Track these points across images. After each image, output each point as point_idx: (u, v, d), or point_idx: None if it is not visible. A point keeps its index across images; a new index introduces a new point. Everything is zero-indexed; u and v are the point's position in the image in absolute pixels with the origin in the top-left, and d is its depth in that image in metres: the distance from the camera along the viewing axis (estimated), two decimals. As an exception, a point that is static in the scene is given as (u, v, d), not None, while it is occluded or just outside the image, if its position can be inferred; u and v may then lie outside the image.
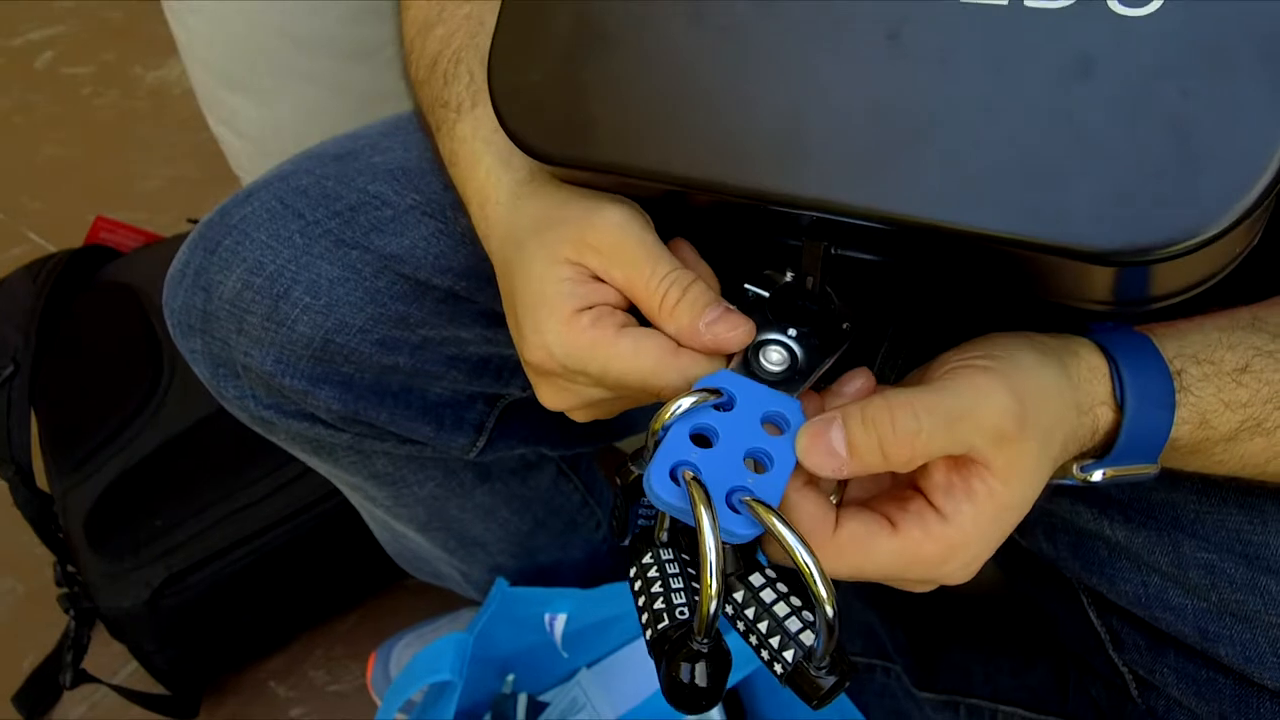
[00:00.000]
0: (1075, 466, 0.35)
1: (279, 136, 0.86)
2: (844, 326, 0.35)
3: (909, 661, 0.64)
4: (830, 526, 0.31)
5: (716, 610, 0.28)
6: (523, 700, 0.75)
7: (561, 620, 0.70)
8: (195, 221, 0.51)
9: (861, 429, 0.30)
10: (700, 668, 0.28)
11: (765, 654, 0.29)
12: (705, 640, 0.28)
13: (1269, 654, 0.41)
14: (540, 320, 0.35)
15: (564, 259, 0.35)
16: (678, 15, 0.32)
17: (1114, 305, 0.32)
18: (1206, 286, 0.31)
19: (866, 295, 0.37)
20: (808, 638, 0.29)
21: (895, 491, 0.33)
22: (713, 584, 0.27)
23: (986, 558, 0.32)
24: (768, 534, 0.29)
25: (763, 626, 0.29)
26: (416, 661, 0.64)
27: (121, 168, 1.46)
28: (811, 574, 0.28)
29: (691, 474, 0.29)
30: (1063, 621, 0.53)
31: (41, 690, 0.89)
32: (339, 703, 0.89)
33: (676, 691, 0.28)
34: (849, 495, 0.35)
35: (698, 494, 0.28)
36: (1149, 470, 0.35)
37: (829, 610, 0.28)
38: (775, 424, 0.32)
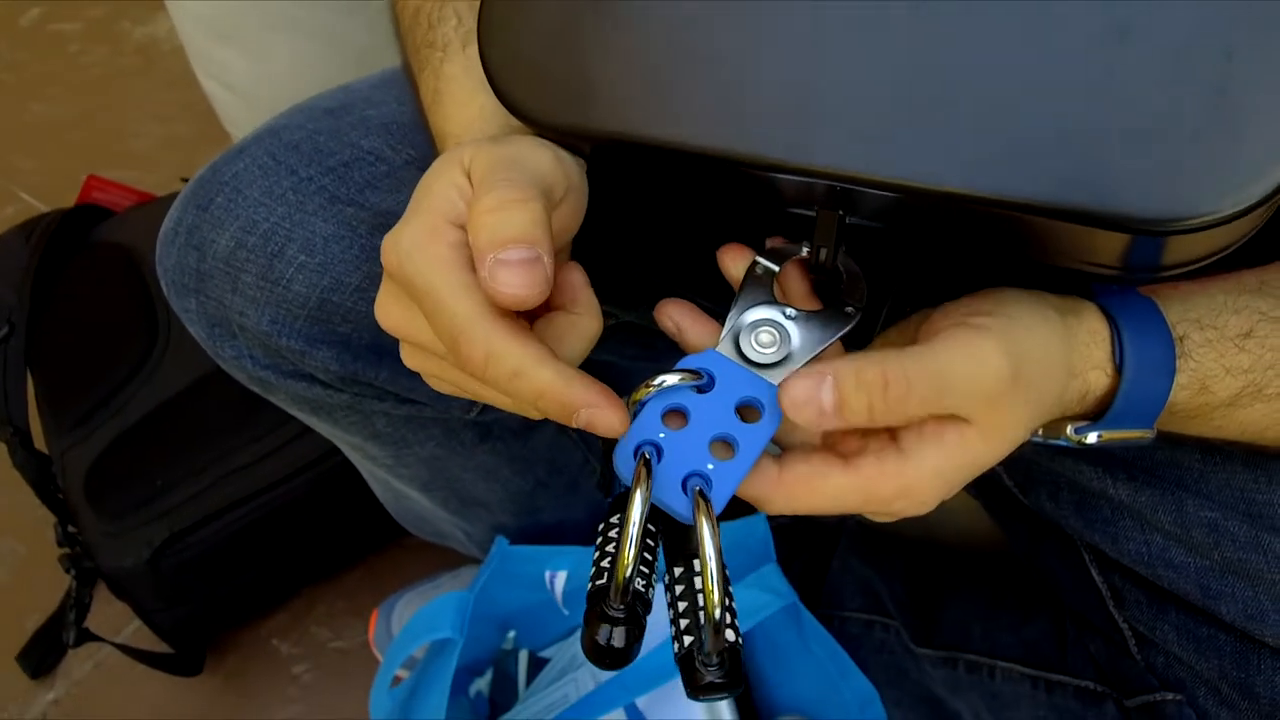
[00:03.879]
0: (1070, 428, 0.34)
1: (270, 90, 0.84)
2: (847, 310, 0.34)
3: (907, 618, 0.65)
4: (775, 471, 0.31)
5: (629, 579, 0.29)
6: (524, 656, 0.75)
7: (562, 577, 0.70)
8: (189, 180, 0.50)
9: (854, 390, 0.29)
10: (618, 631, 0.29)
11: (673, 629, 0.30)
12: (620, 606, 0.29)
13: (1271, 611, 0.41)
14: (409, 215, 0.31)
15: (460, 165, 0.32)
16: None
17: (1127, 272, 0.31)
18: (1218, 257, 0.30)
19: (872, 264, 0.35)
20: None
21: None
22: (629, 554, 0.28)
23: (944, 498, 0.32)
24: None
25: (681, 606, 0.30)
26: (418, 619, 0.64)
27: (112, 126, 1.44)
28: (710, 577, 0.28)
29: (646, 454, 0.30)
30: (1063, 578, 0.53)
31: (45, 649, 0.90)
32: (341, 659, 0.90)
33: (595, 651, 0.29)
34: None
35: (639, 473, 0.29)
36: (1145, 435, 0.34)
37: (715, 614, 0.28)
38: (752, 407, 0.32)
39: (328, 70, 0.81)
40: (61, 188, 1.21)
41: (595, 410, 0.29)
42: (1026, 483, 0.51)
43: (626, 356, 0.60)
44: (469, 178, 0.31)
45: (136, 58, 1.56)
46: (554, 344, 0.32)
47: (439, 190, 0.31)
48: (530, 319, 0.33)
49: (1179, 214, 0.26)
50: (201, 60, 0.88)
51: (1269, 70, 0.25)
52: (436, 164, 0.32)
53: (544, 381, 0.29)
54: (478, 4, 0.35)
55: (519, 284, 0.28)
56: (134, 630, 0.91)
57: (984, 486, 0.57)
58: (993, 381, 0.29)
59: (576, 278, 0.34)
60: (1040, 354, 0.31)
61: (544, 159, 0.32)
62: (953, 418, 0.30)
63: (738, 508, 0.32)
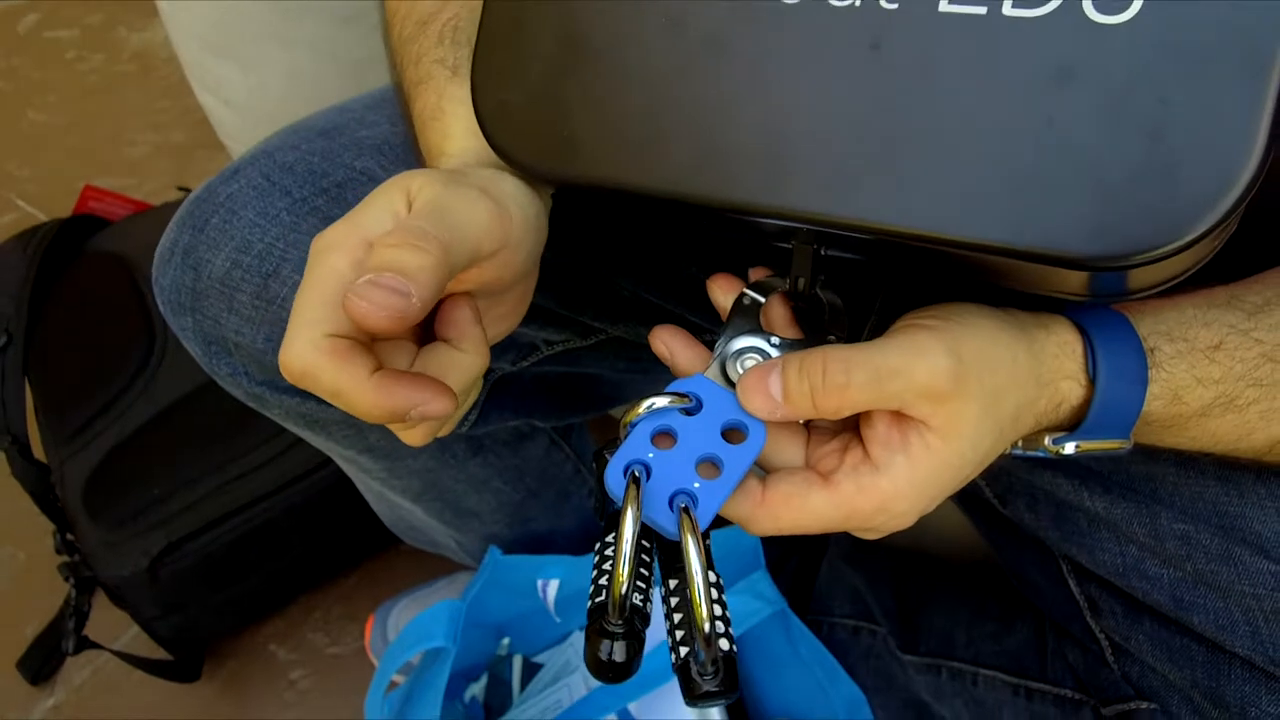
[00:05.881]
0: (1047, 439, 0.35)
1: (266, 104, 0.85)
2: (829, 338, 0.36)
3: (894, 625, 0.66)
4: (759, 492, 0.32)
5: (626, 595, 0.30)
6: (518, 661, 0.77)
7: (554, 586, 0.71)
8: (185, 190, 0.51)
9: (796, 377, 0.31)
10: (619, 646, 0.30)
11: (670, 640, 0.31)
12: (619, 622, 0.30)
13: (1241, 623, 0.42)
14: (342, 219, 0.32)
15: (406, 193, 0.32)
16: (660, 30, 0.33)
17: (1093, 298, 0.33)
18: (1181, 279, 0.31)
19: (853, 292, 0.37)
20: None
21: (842, 441, 0.34)
22: (624, 571, 0.29)
23: (923, 510, 0.33)
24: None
25: (677, 618, 0.31)
26: (411, 628, 0.65)
27: (108, 133, 1.44)
28: (697, 591, 0.29)
29: (636, 473, 0.31)
30: (1042, 588, 0.54)
31: (45, 656, 0.90)
32: (338, 664, 0.91)
33: (597, 666, 0.30)
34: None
35: (630, 491, 0.31)
36: (1122, 445, 0.35)
37: (705, 627, 0.29)
38: (737, 430, 0.33)
39: (323, 83, 0.82)
40: (58, 195, 1.22)
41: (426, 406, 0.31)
42: (1006, 494, 0.52)
43: (616, 370, 0.61)
44: (409, 207, 0.32)
45: (133, 65, 1.56)
46: (438, 376, 0.33)
47: (375, 210, 0.32)
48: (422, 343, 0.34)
49: (1118, 252, 0.27)
50: (198, 74, 0.88)
51: (1198, 115, 0.26)
52: (388, 183, 0.33)
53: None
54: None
55: (379, 304, 0.28)
56: (132, 637, 0.92)
57: (966, 498, 0.58)
58: (932, 375, 0.30)
59: (466, 314, 0.34)
60: (993, 359, 0.32)
61: (480, 216, 0.32)
62: (912, 422, 0.31)
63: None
